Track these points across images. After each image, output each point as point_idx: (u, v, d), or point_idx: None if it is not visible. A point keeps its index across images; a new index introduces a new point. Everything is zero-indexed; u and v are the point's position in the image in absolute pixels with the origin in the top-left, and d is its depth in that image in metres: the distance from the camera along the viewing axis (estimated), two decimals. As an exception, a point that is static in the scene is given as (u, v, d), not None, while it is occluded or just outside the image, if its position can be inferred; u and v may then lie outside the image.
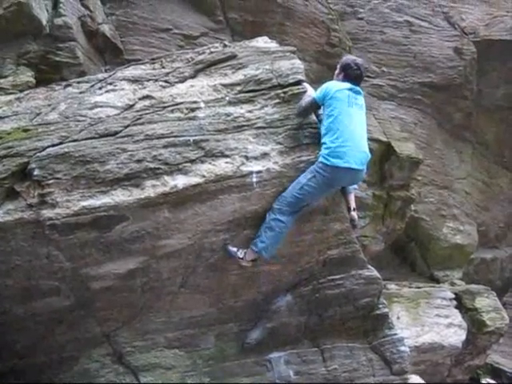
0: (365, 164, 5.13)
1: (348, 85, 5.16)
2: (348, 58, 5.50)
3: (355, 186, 5.65)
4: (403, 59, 9.24)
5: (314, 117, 5.34)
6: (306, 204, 5.10)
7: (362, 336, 5.92)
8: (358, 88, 5.22)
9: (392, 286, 8.18)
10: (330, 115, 5.03)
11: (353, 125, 5.03)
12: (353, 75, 5.24)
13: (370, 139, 7.97)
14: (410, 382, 5.99)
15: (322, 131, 5.10)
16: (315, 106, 5.20)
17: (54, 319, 5.25)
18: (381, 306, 5.88)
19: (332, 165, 4.91)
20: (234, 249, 5.15)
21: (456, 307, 8.13)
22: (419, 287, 8.32)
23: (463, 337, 7.87)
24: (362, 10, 9.12)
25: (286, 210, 5.02)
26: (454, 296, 8.27)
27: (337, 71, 5.40)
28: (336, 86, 5.14)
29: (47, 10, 6.37)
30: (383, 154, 8.25)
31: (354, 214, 5.54)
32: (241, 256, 5.11)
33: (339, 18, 8.60)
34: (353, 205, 5.55)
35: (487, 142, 10.48)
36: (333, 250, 5.54)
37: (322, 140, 5.06)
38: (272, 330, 5.62)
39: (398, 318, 7.49)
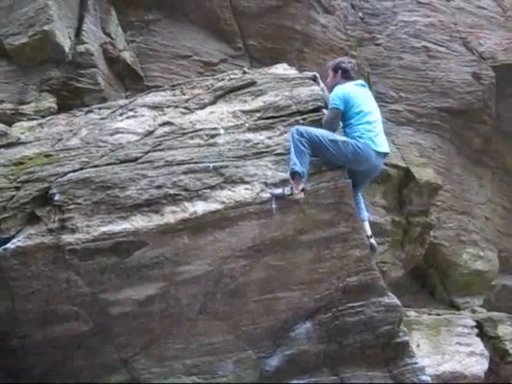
0: (387, 153, 5.37)
1: (353, 83, 5.35)
2: (334, 61, 5.74)
3: (368, 215, 5.69)
4: (421, 84, 9.23)
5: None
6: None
7: (382, 364, 5.81)
8: (361, 81, 5.44)
9: (411, 313, 8.07)
10: (357, 112, 5.19)
11: (376, 116, 5.28)
12: (349, 67, 5.48)
13: (389, 165, 8.06)
14: (431, 411, 5.86)
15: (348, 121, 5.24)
16: (339, 114, 5.23)
17: (72, 344, 5.24)
18: (401, 333, 5.78)
19: (365, 143, 5.08)
20: (278, 191, 5.01)
21: (477, 335, 7.98)
22: (439, 314, 8.19)
23: (485, 366, 7.72)
24: (379, 36, 9.17)
25: (306, 141, 4.99)
26: (475, 324, 8.12)
27: (330, 75, 5.56)
28: (347, 87, 5.28)
29: (70, 38, 6.50)
30: (402, 179, 8.21)
31: (372, 240, 5.53)
32: (288, 192, 4.95)
33: (357, 44, 8.66)
34: (369, 232, 5.54)
35: (507, 166, 10.38)
36: (352, 277, 5.48)
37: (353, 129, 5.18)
38: (291, 357, 5.54)
39: (418, 345, 7.37)
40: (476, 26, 9.96)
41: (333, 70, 5.57)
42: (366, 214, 5.56)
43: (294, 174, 4.95)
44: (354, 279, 5.51)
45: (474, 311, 8.92)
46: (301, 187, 4.96)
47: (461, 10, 9.96)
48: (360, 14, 9.24)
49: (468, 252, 9.37)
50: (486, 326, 8.26)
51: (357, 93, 5.30)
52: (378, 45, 9.15)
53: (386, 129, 8.39)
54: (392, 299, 5.69)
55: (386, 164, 7.99)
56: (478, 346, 7.86)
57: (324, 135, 5.07)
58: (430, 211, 8.61)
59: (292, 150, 5.01)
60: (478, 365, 7.67)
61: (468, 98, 9.43)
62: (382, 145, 5.27)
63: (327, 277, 5.42)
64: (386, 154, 5.41)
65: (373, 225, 7.43)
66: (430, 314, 8.16)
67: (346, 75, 5.49)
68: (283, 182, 5.09)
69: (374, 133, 5.18)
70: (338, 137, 5.14)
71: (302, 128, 5.10)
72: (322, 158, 5.17)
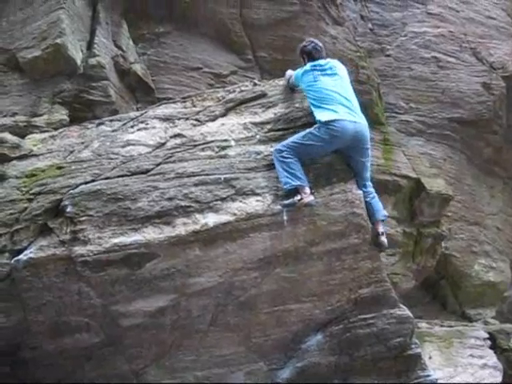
0: (360, 118, 5.31)
1: (308, 64, 5.47)
2: (299, 45, 5.84)
3: (385, 214, 5.61)
4: (431, 95, 9.21)
5: (342, 155, 5.36)
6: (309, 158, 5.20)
7: (394, 377, 5.76)
8: (319, 61, 5.47)
9: (423, 325, 8.00)
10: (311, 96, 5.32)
11: (331, 90, 5.26)
12: (310, 49, 5.60)
13: (400, 176, 8.05)
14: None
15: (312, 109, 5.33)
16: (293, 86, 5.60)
17: (83, 355, 5.27)
18: (413, 345, 5.74)
19: (328, 120, 5.08)
20: (288, 200, 5.01)
21: (490, 347, 7.89)
22: (451, 326, 8.11)
23: (499, 379, 7.61)
24: (389, 47, 9.17)
25: (287, 153, 5.08)
26: (487, 336, 8.03)
27: (301, 61, 5.69)
28: (300, 71, 5.47)
29: (82, 51, 6.55)
30: (413, 190, 8.17)
31: (383, 238, 5.44)
32: (298, 197, 4.98)
33: (367, 55, 8.65)
34: (381, 229, 5.46)
35: (518, 176, 10.33)
36: (364, 289, 5.46)
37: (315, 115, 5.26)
38: (302, 369, 5.52)
39: (430, 357, 7.29)
40: (486, 36, 9.95)
41: (300, 56, 5.72)
42: (382, 213, 5.52)
43: (294, 190, 5.00)
44: (366, 291, 5.49)
45: (486, 323, 8.84)
46: (308, 191, 5.00)
47: (470, 21, 9.95)
48: (369, 25, 9.26)
49: (480, 263, 9.30)
50: (499, 338, 8.17)
51: (307, 78, 5.40)
52: (388, 56, 9.15)
53: (397, 140, 8.49)
54: (404, 311, 5.65)
55: (396, 175, 8.04)
56: (491, 358, 7.76)
57: (297, 136, 5.20)
58: (442, 222, 8.56)
59: (279, 170, 5.07)
60: (491, 378, 7.57)
61: (478, 108, 9.40)
62: (347, 113, 5.22)
63: (338, 288, 5.40)
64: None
65: (384, 236, 7.48)
66: (441, 326, 8.08)
67: (310, 57, 5.58)
68: (294, 193, 5.09)
69: (332, 106, 5.19)
70: (308, 130, 5.21)
71: (278, 146, 5.20)
72: (312, 155, 5.21)
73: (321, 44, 5.78)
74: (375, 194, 5.55)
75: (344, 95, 5.32)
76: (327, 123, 5.10)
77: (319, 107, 5.22)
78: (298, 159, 5.09)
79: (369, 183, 5.53)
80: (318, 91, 5.28)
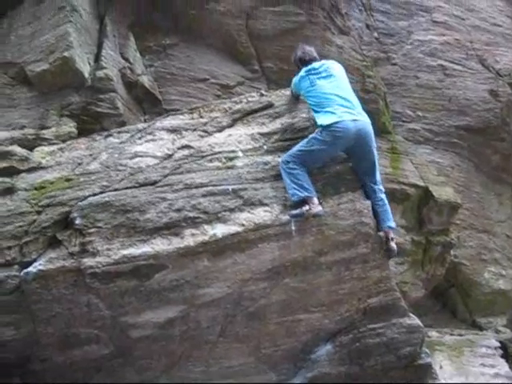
0: (361, 115, 5.31)
1: (303, 70, 5.54)
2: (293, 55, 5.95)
3: (391, 225, 5.44)
4: (438, 103, 9.19)
5: (351, 164, 5.35)
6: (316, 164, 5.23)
7: (404, 387, 5.75)
8: (313, 65, 5.53)
9: (433, 334, 7.94)
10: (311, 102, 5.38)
11: (328, 93, 5.30)
12: (302, 59, 5.70)
13: (408, 184, 8.03)
14: None
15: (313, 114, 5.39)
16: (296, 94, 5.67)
17: (92, 367, 5.28)
18: (423, 355, 5.71)
19: (328, 123, 5.10)
20: (296, 211, 4.99)
21: (502, 356, 7.82)
22: (462, 335, 8.05)
23: (512, 389, 7.55)
24: (395, 56, 9.17)
25: (293, 163, 5.10)
26: (499, 344, 7.96)
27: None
28: (297, 78, 5.56)
29: (89, 63, 6.59)
30: (421, 198, 8.14)
31: (393, 244, 5.37)
32: (307, 208, 4.97)
33: (373, 64, 8.66)
34: (391, 235, 5.40)
35: (526, 183, 10.27)
36: (373, 298, 5.45)
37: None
38: (312, 379, 5.50)
39: (441, 367, 7.23)
40: (492, 44, 9.95)
41: (296, 66, 5.79)
42: (388, 224, 5.37)
43: (302, 200, 4.99)
44: (375, 300, 5.47)
45: (497, 331, 8.76)
46: (316, 201, 5.00)
47: (476, 28, 9.96)
48: (375, 34, 9.27)
49: (489, 271, 9.23)
50: (511, 347, 8.10)
51: (304, 84, 5.48)
52: (394, 64, 9.15)
53: (405, 148, 8.48)
54: (413, 320, 5.63)
55: (404, 183, 8.02)
56: (503, 367, 7.68)
57: (301, 144, 5.21)
58: (450, 230, 8.51)
59: (287, 181, 5.08)
60: (503, 387, 7.51)
61: (486, 116, 9.38)
62: (346, 113, 5.21)
63: (347, 298, 5.39)
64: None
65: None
66: (452, 335, 8.02)
67: (303, 63, 5.67)
68: (302, 203, 5.09)
69: (331, 107, 5.22)
70: (311, 135, 5.23)
71: (284, 156, 5.21)
72: (318, 161, 5.22)
73: (309, 47, 5.86)
74: (385, 202, 5.45)
75: (342, 95, 5.33)
76: (328, 126, 5.11)
77: (319, 112, 5.25)
78: (304, 169, 5.11)
79: (379, 187, 5.45)
80: (317, 96, 5.32)
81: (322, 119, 5.18)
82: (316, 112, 5.29)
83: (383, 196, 5.46)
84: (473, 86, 9.45)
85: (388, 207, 5.46)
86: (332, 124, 5.11)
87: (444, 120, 9.14)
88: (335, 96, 5.29)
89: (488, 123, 9.37)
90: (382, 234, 5.34)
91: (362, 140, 5.27)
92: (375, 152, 5.45)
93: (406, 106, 8.93)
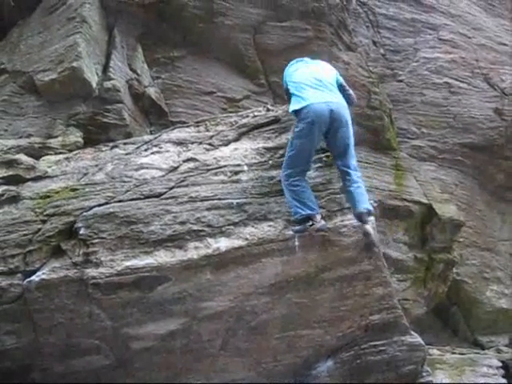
0: (334, 97, 5.29)
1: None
2: None
3: (368, 207, 5.09)
4: (443, 120, 9.21)
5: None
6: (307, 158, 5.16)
7: (405, 405, 5.72)
8: (306, 59, 5.72)
9: (434, 352, 7.88)
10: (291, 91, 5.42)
11: (305, 78, 5.35)
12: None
13: (411, 201, 8.02)
14: None
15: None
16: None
17: (92, 378, 5.27)
18: (425, 373, 5.71)
19: (298, 109, 5.13)
20: (299, 227, 4.97)
21: (503, 376, 7.76)
22: (463, 353, 7.98)
23: (513, 410, 7.49)
24: (401, 73, 9.20)
25: (289, 173, 5.08)
26: (500, 364, 7.91)
27: None
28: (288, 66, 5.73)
29: (97, 74, 6.63)
30: (424, 216, 8.12)
31: (368, 226, 5.04)
32: (310, 223, 4.94)
33: (379, 81, 8.68)
34: (366, 218, 5.05)
35: (530, 203, 10.26)
36: (375, 315, 5.44)
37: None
38: (312, 395, 5.50)
39: (442, 386, 7.20)
40: (497, 62, 9.97)
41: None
42: (364, 206, 5.04)
43: (305, 218, 4.97)
44: (377, 317, 5.47)
45: (499, 351, 8.68)
46: (319, 217, 4.99)
47: (482, 47, 9.99)
48: (381, 51, 9.31)
49: (492, 289, 9.20)
50: (513, 367, 8.05)
51: (290, 70, 5.62)
52: (400, 81, 9.18)
53: (409, 165, 8.47)
54: (415, 338, 5.63)
55: (407, 200, 8.02)
56: (505, 387, 7.64)
57: (287, 151, 5.21)
58: (453, 248, 8.49)
59: (289, 199, 5.04)
60: (506, 409, 7.45)
61: (490, 134, 9.39)
62: (316, 96, 5.20)
63: (349, 315, 5.38)
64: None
65: (395, 261, 7.45)
66: (453, 353, 7.95)
67: None
68: (305, 219, 5.10)
69: (303, 93, 5.24)
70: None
71: (281, 172, 5.18)
72: (307, 155, 5.16)
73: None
74: (361, 185, 5.18)
75: (316, 77, 5.38)
76: (297, 112, 5.17)
77: (293, 98, 5.32)
78: (305, 182, 5.07)
79: (354, 172, 5.22)
80: (297, 83, 5.39)
81: (292, 106, 5.26)
82: (291, 99, 5.34)
83: (359, 179, 5.21)
84: (478, 104, 9.47)
85: (364, 192, 5.18)
86: (301, 109, 5.15)
87: (449, 137, 9.15)
88: (309, 80, 5.34)
89: (492, 141, 9.39)
90: (356, 221, 5.08)
91: (336, 122, 5.18)
92: (351, 135, 5.32)
93: (411, 123, 8.94)
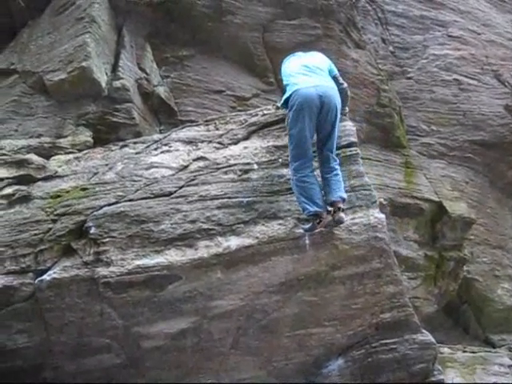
0: (324, 81, 5.30)
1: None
2: None
3: (342, 196, 5.07)
4: (453, 117, 9.16)
5: (366, 178, 5.34)
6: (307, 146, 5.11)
7: (416, 404, 5.70)
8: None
9: (445, 350, 7.84)
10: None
11: (296, 67, 5.41)
12: None
13: (421, 199, 7.99)
14: None
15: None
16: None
17: (103, 377, 5.28)
18: (436, 372, 5.67)
19: (289, 96, 5.16)
20: (308, 225, 4.98)
21: (515, 375, 7.73)
22: (474, 352, 7.94)
23: (525, 409, 7.44)
24: (410, 70, 9.15)
25: (298, 165, 5.04)
26: (512, 363, 7.89)
27: None
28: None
29: (106, 74, 6.65)
30: (435, 213, 8.09)
31: (342, 214, 5.00)
32: (317, 220, 4.93)
33: (388, 78, 8.66)
34: (340, 205, 5.03)
35: (541, 199, 10.18)
36: (386, 314, 5.42)
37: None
38: (322, 394, 5.49)
39: (453, 384, 7.16)
40: (507, 59, 9.90)
41: None
42: (338, 195, 5.03)
43: (314, 214, 4.95)
44: (388, 315, 5.45)
45: (510, 349, 8.64)
46: (325, 214, 4.98)
47: (492, 43, 9.93)
48: (390, 48, 9.26)
49: (503, 287, 9.14)
50: (524, 366, 8.00)
51: (284, 66, 5.67)
52: (409, 78, 9.13)
53: (419, 163, 8.44)
54: (426, 336, 5.60)
55: (418, 198, 7.99)
56: (517, 386, 7.59)
57: (289, 145, 5.20)
58: (464, 245, 8.46)
59: (297, 195, 5.02)
60: (518, 408, 7.40)
61: (500, 131, 9.33)
62: (307, 82, 5.22)
63: (360, 313, 5.37)
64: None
65: (405, 259, 7.42)
66: (464, 352, 7.91)
67: None
68: (314, 217, 5.08)
69: (293, 80, 5.29)
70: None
71: (290, 168, 5.15)
72: (307, 142, 5.11)
73: None
74: (339, 172, 5.18)
75: (305, 64, 5.43)
76: (286, 101, 5.21)
77: (285, 90, 5.37)
78: (313, 177, 5.05)
79: (333, 157, 5.22)
80: (287, 75, 5.46)
81: (283, 97, 5.31)
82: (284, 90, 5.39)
83: (337, 166, 5.21)
84: (488, 101, 9.41)
85: (341, 179, 5.17)
86: (290, 97, 5.17)
87: (458, 135, 9.10)
88: (300, 67, 5.39)
89: (503, 138, 9.32)
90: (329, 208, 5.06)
91: (326, 105, 5.14)
92: (338, 120, 5.29)
93: (420, 121, 8.89)
